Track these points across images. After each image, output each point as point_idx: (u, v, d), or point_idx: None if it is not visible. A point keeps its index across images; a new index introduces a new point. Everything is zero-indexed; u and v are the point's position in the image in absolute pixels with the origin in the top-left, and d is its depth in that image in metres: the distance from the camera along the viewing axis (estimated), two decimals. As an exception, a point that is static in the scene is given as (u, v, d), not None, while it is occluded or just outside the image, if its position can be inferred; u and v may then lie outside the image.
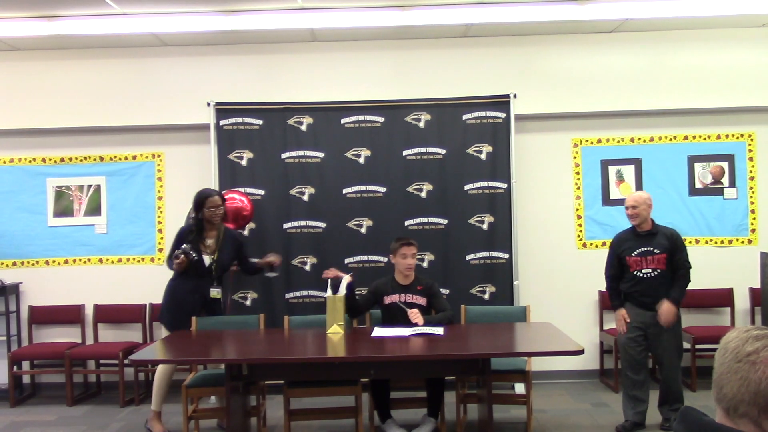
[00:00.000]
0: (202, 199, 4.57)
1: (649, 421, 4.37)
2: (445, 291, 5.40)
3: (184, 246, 4.46)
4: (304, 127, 5.58)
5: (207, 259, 4.58)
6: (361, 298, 4.61)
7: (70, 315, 5.74)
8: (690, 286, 5.56)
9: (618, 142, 5.82)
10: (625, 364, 4.45)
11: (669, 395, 4.35)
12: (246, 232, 5.39)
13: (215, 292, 4.64)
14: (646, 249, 4.35)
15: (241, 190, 5.44)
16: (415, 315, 4.33)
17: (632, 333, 4.37)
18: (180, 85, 5.69)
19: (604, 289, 5.62)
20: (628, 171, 5.80)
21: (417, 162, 5.56)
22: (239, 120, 5.58)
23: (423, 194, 5.55)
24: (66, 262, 5.85)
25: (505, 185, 5.54)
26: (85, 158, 5.86)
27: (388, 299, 4.50)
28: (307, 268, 5.54)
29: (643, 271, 4.35)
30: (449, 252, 5.52)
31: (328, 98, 5.59)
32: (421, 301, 4.50)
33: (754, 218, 5.76)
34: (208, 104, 5.56)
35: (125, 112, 5.70)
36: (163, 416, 4.80)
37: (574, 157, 5.82)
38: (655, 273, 4.33)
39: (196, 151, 5.73)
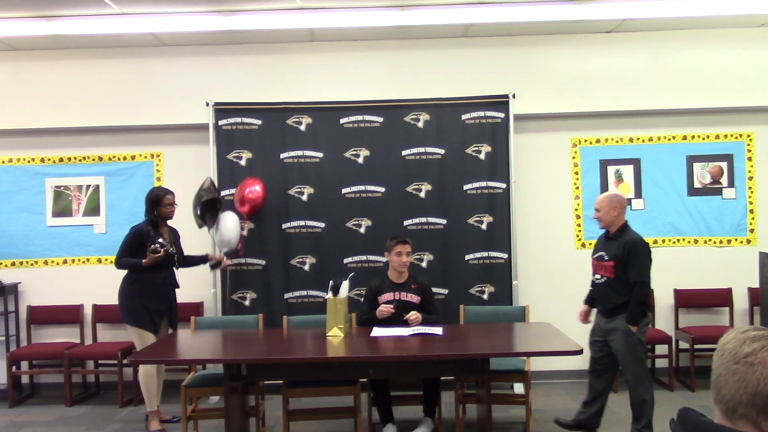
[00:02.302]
0: (158, 198, 4.77)
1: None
2: (444, 291, 5.42)
3: (160, 240, 4.65)
4: (303, 127, 5.58)
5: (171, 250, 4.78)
6: (369, 311, 4.56)
7: (69, 315, 5.74)
8: (689, 286, 5.64)
9: (617, 142, 5.82)
10: None
11: (633, 408, 4.11)
12: (245, 232, 5.39)
13: (178, 281, 4.91)
14: (600, 254, 4.19)
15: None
16: (413, 317, 4.36)
17: (593, 336, 4.30)
18: (179, 85, 5.69)
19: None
20: (627, 171, 5.80)
21: (416, 162, 5.56)
22: (238, 120, 5.57)
23: (422, 194, 5.55)
24: (65, 262, 5.84)
25: (504, 185, 5.54)
26: (84, 158, 5.86)
27: (383, 298, 4.51)
28: (306, 268, 5.53)
29: (596, 275, 4.24)
30: (448, 252, 5.52)
31: (327, 98, 5.59)
32: (415, 299, 4.53)
33: (753, 218, 5.77)
34: (207, 104, 5.56)
35: (124, 112, 5.70)
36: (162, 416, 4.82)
37: (573, 157, 5.83)
38: (603, 280, 4.15)
39: (195, 151, 5.73)
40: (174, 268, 4.85)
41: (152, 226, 4.72)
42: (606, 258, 4.12)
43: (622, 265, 4.04)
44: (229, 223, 5.21)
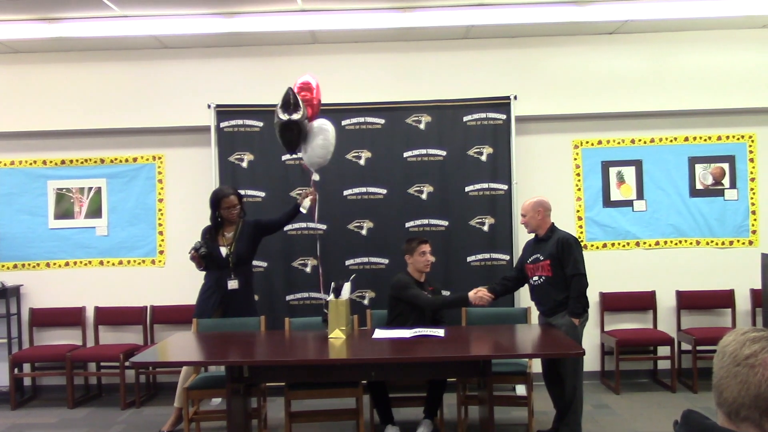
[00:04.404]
0: (218, 200, 4.67)
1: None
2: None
3: (195, 242, 4.56)
4: (304, 129, 5.57)
5: (224, 251, 4.64)
6: (422, 293, 4.49)
7: (71, 317, 5.74)
8: (691, 288, 5.63)
9: (618, 143, 5.82)
10: None
11: (566, 399, 4.14)
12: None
13: (231, 284, 4.63)
14: (536, 256, 4.30)
15: (241, 191, 5.44)
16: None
17: None
18: (180, 87, 5.69)
19: (605, 291, 5.66)
20: (629, 172, 5.79)
21: (417, 163, 5.56)
22: (240, 122, 5.57)
23: (423, 196, 5.55)
24: (67, 264, 5.84)
25: (505, 187, 5.54)
26: (86, 160, 5.86)
27: None
28: (308, 270, 5.53)
29: (534, 278, 4.32)
30: (450, 253, 5.52)
31: (328, 100, 5.53)
32: None
33: (755, 219, 5.76)
34: (209, 106, 5.56)
35: (126, 114, 5.70)
36: (163, 417, 4.80)
37: (575, 159, 5.82)
38: (542, 280, 4.25)
39: (197, 153, 5.73)
40: (228, 269, 4.61)
41: (213, 228, 4.69)
42: (542, 258, 4.25)
43: (558, 262, 4.16)
44: (325, 126, 4.65)
